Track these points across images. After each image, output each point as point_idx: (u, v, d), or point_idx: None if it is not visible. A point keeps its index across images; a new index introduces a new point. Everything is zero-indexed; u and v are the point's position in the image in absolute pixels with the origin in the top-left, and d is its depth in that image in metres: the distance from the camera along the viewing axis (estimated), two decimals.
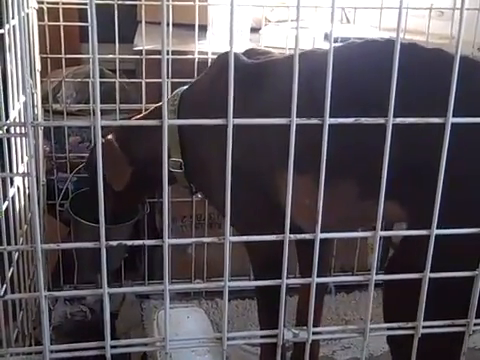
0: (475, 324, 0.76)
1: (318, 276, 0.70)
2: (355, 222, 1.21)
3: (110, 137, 1.42)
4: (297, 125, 0.62)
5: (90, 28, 0.57)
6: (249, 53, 1.37)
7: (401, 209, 1.06)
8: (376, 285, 0.73)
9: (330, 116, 0.63)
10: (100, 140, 0.61)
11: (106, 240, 0.65)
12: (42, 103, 1.71)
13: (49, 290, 1.77)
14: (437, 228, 0.68)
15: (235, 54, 1.32)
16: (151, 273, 1.90)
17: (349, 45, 1.18)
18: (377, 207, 0.68)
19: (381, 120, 0.65)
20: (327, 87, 0.61)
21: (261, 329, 1.40)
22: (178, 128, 1.35)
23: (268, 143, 1.21)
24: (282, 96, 1.07)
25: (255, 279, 1.42)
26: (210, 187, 1.38)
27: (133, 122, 0.66)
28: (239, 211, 1.30)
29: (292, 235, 0.68)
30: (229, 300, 1.88)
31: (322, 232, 0.67)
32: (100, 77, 1.87)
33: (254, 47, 1.47)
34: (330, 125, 0.63)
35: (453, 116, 0.65)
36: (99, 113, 0.60)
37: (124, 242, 0.68)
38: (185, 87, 1.43)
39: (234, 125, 0.61)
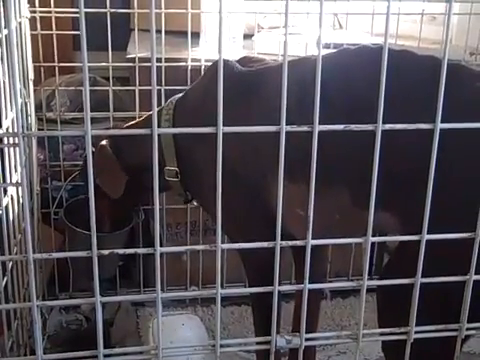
0: (468, 328, 0.76)
1: (314, 282, 0.70)
2: (349, 230, 1.20)
3: (104, 143, 1.42)
4: (289, 133, 0.62)
5: (81, 37, 0.57)
6: (243, 61, 1.37)
7: (393, 219, 1.07)
8: (371, 290, 0.73)
9: (324, 123, 0.63)
10: (90, 149, 0.62)
11: (101, 248, 0.65)
12: (36, 112, 1.71)
13: (44, 299, 1.77)
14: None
15: (229, 62, 1.33)
16: (147, 280, 1.90)
17: (343, 52, 1.18)
18: (365, 215, 0.68)
19: (370, 127, 0.65)
20: (316, 94, 0.62)
21: (256, 335, 1.40)
22: (173, 136, 1.35)
23: (261, 151, 1.22)
24: (275, 104, 1.07)
25: (250, 285, 1.42)
26: (205, 195, 1.38)
27: (124, 131, 0.66)
28: (233, 219, 1.31)
29: (284, 242, 0.68)
30: (225, 306, 1.89)
31: (315, 238, 0.68)
32: (93, 85, 1.90)
33: (248, 55, 1.47)
34: (323, 133, 0.63)
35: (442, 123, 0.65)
36: (89, 122, 0.61)
37: (116, 251, 0.68)
38: (180, 95, 1.44)
39: (228, 133, 0.61)
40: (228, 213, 1.15)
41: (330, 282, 1.86)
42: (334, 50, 1.22)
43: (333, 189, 1.12)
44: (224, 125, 0.61)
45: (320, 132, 0.63)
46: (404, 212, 1.05)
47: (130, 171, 1.44)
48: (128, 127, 1.50)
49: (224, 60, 1.32)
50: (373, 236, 0.69)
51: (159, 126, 1.37)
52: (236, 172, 1.26)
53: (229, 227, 1.29)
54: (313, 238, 0.67)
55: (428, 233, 0.69)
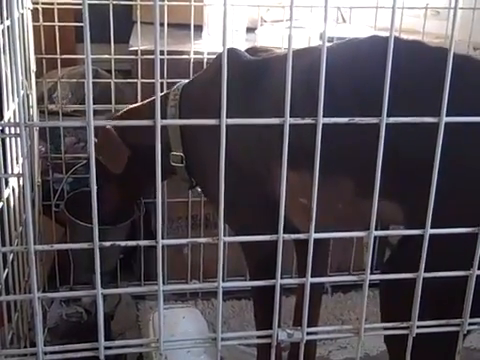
0: (470, 323, 0.76)
1: (316, 275, 0.70)
2: (353, 221, 1.20)
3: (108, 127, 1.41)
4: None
5: (84, 29, 0.57)
6: (251, 51, 1.37)
7: (399, 209, 1.06)
8: (372, 285, 0.73)
9: (332, 112, 0.63)
10: (92, 141, 0.61)
11: (102, 241, 0.64)
12: (38, 104, 1.71)
13: (44, 291, 1.77)
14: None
15: (237, 51, 1.32)
16: (148, 273, 1.90)
17: (352, 42, 1.18)
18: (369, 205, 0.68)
19: (375, 120, 0.65)
20: (320, 87, 0.61)
21: (257, 329, 1.40)
22: None
23: (265, 139, 1.21)
24: (282, 93, 1.07)
25: (251, 279, 1.41)
26: (209, 181, 1.37)
27: (127, 122, 0.65)
28: (235, 209, 1.30)
29: (286, 235, 0.68)
30: (225, 300, 1.89)
31: (318, 231, 0.67)
32: (95, 77, 1.89)
33: (256, 45, 1.47)
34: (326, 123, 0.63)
35: (448, 115, 0.65)
36: (92, 113, 0.60)
37: (118, 243, 0.67)
38: (186, 81, 1.43)
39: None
40: (230, 202, 1.15)
41: (331, 276, 1.86)
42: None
43: (336, 178, 1.11)
44: (230, 113, 0.60)
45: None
46: (409, 203, 1.04)
47: (133, 148, 1.43)
48: (131, 110, 1.49)
49: (232, 49, 1.32)
50: (375, 229, 0.69)
51: (165, 112, 1.37)
52: (239, 161, 1.25)
53: (231, 217, 1.28)
54: (316, 230, 0.67)
55: (434, 227, 0.68)
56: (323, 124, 0.63)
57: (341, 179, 1.12)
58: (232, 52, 1.31)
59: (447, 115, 0.64)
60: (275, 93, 1.19)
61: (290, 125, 0.62)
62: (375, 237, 0.69)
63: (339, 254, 1.92)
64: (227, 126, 0.61)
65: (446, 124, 0.64)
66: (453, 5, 0.63)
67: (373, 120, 0.65)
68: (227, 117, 0.60)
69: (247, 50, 1.37)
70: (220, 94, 0.59)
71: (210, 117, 0.61)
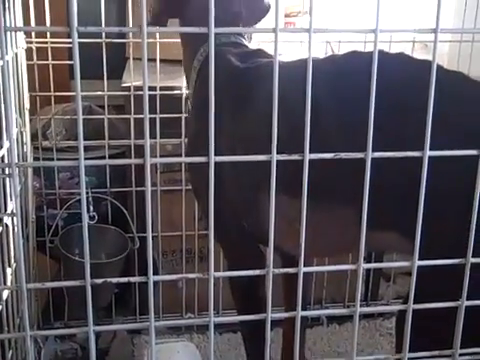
0: (461, 354, 0.76)
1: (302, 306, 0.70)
2: (347, 249, 1.18)
3: None
4: (284, 144, 0.62)
5: (74, 68, 0.58)
6: (252, 54, 1.36)
7: (402, 240, 1.01)
8: (367, 316, 0.74)
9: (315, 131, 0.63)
10: (84, 178, 0.62)
11: (97, 276, 0.65)
12: (32, 140, 1.72)
13: (39, 327, 1.76)
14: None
15: (226, 56, 1.32)
16: (143, 308, 1.89)
17: (331, 59, 1.18)
18: (372, 235, 0.68)
19: (360, 155, 0.66)
20: (306, 122, 0.63)
21: None
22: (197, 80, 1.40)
23: (253, 163, 1.19)
24: (269, 105, 1.08)
25: (237, 309, 1.40)
26: (198, 196, 1.40)
27: (115, 161, 0.67)
28: (223, 233, 1.31)
29: (276, 269, 0.69)
30: (221, 333, 1.89)
31: (311, 258, 0.68)
32: (89, 113, 1.91)
33: (262, 49, 1.42)
34: (318, 147, 0.63)
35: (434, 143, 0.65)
36: (83, 153, 0.61)
37: (109, 280, 0.68)
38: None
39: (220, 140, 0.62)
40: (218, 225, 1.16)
41: (326, 308, 1.86)
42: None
43: (332, 206, 1.08)
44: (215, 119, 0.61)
45: (314, 147, 0.63)
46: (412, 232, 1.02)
47: None
48: None
49: (223, 51, 1.32)
50: (370, 256, 0.70)
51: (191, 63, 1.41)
52: (227, 184, 1.24)
53: (219, 236, 1.28)
54: (307, 255, 0.67)
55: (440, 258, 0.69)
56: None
57: (336, 206, 1.08)
58: (221, 56, 1.30)
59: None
60: (263, 105, 1.18)
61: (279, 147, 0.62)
62: (368, 269, 0.70)
63: (333, 285, 1.92)
64: (215, 146, 0.61)
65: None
66: (441, 38, 0.65)
67: (358, 155, 0.66)
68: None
69: (253, 52, 1.37)
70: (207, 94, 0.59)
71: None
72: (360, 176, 1.00)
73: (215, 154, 0.61)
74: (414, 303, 0.71)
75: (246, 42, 1.41)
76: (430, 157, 0.66)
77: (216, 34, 0.58)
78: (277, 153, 0.62)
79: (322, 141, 0.63)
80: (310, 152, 0.63)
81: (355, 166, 1.00)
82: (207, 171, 0.60)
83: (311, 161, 0.63)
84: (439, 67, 0.63)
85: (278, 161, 0.62)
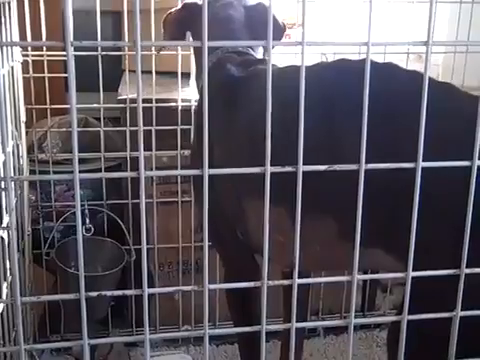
0: None
1: (299, 317, 0.70)
2: (337, 264, 1.16)
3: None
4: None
5: (69, 81, 0.59)
6: (253, 63, 1.37)
7: (388, 256, 1.02)
8: (364, 327, 0.74)
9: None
10: (78, 191, 0.62)
11: (93, 288, 0.65)
12: (28, 153, 1.73)
13: (35, 340, 1.76)
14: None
15: (226, 65, 1.33)
16: (139, 320, 1.89)
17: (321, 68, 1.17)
18: (362, 253, 0.68)
19: (354, 166, 0.66)
20: (300, 136, 0.63)
21: None
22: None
23: (238, 175, 1.17)
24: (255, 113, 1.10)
25: (232, 316, 1.40)
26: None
27: (110, 175, 0.67)
28: (218, 237, 1.32)
29: (270, 282, 0.69)
30: (218, 345, 1.88)
31: (302, 271, 0.68)
32: (85, 126, 1.92)
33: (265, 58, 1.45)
34: (306, 156, 0.63)
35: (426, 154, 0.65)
36: (77, 166, 0.61)
37: (104, 293, 0.68)
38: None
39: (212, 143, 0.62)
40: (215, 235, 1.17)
41: (323, 319, 1.86)
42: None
43: (318, 219, 1.06)
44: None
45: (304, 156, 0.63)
46: (399, 249, 0.97)
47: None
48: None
49: (224, 60, 1.35)
50: (365, 271, 0.70)
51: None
52: (220, 193, 1.25)
53: (212, 241, 1.30)
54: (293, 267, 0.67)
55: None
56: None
57: (323, 218, 1.07)
58: (219, 65, 1.35)
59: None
60: (255, 114, 1.18)
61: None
62: (365, 280, 0.70)
63: (330, 296, 1.92)
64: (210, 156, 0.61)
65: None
66: (435, 50, 0.65)
67: (352, 167, 0.66)
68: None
69: (258, 61, 1.39)
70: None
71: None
72: (343, 187, 0.98)
73: (209, 163, 0.61)
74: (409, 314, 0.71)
75: (253, 51, 1.43)
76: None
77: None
78: (259, 160, 0.63)
79: (307, 151, 0.63)
80: (293, 163, 0.63)
81: (339, 179, 0.98)
82: (201, 182, 0.60)
83: (293, 173, 0.63)
84: (430, 79, 0.63)
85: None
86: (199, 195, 1.42)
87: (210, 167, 0.61)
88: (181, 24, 1.49)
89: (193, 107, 1.74)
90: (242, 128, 1.22)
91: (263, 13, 1.43)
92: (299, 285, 0.66)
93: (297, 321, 0.69)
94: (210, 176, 0.61)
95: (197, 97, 1.55)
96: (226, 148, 1.25)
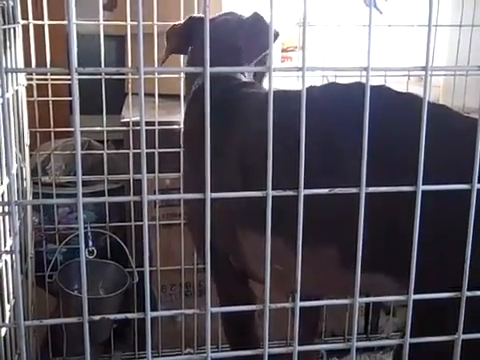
0: None
1: (309, 341, 0.71)
2: (339, 290, 1.16)
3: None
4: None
5: (73, 104, 0.60)
6: (241, 86, 1.39)
7: (389, 280, 1.02)
8: (367, 349, 0.74)
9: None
10: (82, 215, 0.63)
11: (95, 311, 0.66)
12: (31, 175, 1.73)
13: None
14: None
15: (222, 85, 1.34)
16: (142, 343, 1.88)
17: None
18: (363, 278, 0.68)
19: (354, 190, 0.67)
20: (301, 158, 0.64)
21: None
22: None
23: (232, 203, 1.14)
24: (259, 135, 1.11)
25: (228, 340, 1.39)
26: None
27: (113, 199, 0.67)
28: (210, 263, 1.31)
29: (273, 305, 0.69)
30: None
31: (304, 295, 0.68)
32: (88, 149, 1.93)
33: (252, 82, 1.47)
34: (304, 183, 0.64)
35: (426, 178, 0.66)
36: (81, 189, 0.62)
37: (107, 316, 0.68)
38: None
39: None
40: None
41: (325, 341, 1.85)
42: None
43: (318, 248, 1.06)
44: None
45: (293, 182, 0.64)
46: (399, 273, 0.98)
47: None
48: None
49: (222, 79, 1.36)
50: (367, 294, 0.70)
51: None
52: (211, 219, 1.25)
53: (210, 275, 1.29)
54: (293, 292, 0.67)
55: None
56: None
57: (324, 247, 1.08)
58: (216, 83, 1.34)
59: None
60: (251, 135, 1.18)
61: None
62: (368, 302, 0.70)
63: (333, 318, 1.91)
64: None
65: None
66: (434, 72, 0.66)
67: (352, 190, 0.67)
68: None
69: (241, 84, 1.41)
70: (191, 124, 0.60)
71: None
72: (343, 215, 0.97)
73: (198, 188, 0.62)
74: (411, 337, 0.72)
75: (241, 75, 1.44)
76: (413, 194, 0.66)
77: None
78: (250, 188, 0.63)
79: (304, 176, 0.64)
80: (286, 187, 0.64)
81: (338, 205, 0.98)
82: (195, 205, 0.61)
83: (293, 201, 0.64)
84: (421, 100, 0.64)
85: (253, 198, 0.63)
86: (192, 219, 1.42)
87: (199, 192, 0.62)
88: (184, 38, 1.50)
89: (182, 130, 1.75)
90: (231, 156, 1.22)
91: (255, 25, 1.45)
92: (308, 309, 0.67)
93: (305, 343, 0.69)
94: (204, 201, 0.62)
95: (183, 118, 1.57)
96: (216, 175, 1.25)
